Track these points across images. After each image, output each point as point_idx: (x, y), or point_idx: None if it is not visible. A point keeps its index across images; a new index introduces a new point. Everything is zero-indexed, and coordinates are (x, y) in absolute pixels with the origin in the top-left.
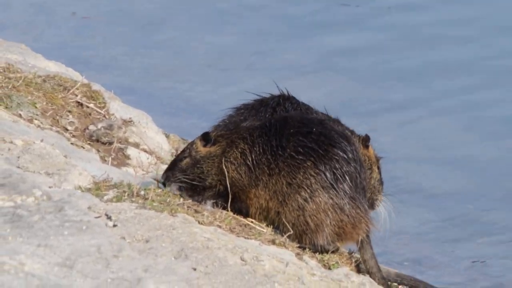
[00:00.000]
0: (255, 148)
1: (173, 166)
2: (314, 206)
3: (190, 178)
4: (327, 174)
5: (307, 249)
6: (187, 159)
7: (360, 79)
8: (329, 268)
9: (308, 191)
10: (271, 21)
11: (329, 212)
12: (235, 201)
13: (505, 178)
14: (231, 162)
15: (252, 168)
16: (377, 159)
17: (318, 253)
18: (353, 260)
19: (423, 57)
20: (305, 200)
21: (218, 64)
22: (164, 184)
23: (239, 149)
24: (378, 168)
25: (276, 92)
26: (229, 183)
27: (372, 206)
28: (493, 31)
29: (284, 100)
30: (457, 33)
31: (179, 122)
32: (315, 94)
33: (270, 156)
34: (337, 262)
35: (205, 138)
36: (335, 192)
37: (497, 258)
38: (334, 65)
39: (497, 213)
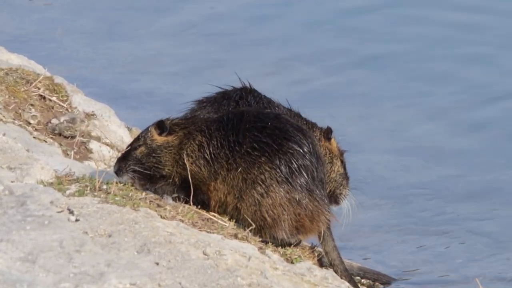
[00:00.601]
0: (213, 142)
1: (127, 155)
2: (270, 201)
3: (145, 168)
4: (282, 168)
5: (269, 243)
6: (142, 148)
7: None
8: (292, 262)
9: (264, 186)
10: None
11: (285, 206)
12: (197, 193)
13: (470, 170)
14: (189, 155)
15: (211, 162)
16: (341, 153)
17: (280, 247)
18: (316, 254)
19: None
20: (261, 195)
21: (181, 56)
22: (116, 174)
23: (197, 142)
24: (342, 162)
25: (238, 85)
26: (191, 176)
27: (336, 201)
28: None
29: (247, 94)
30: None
31: (142, 114)
32: (277, 85)
33: (228, 151)
34: (299, 256)
35: (160, 126)
36: (290, 186)
37: (459, 250)
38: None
39: (459, 206)
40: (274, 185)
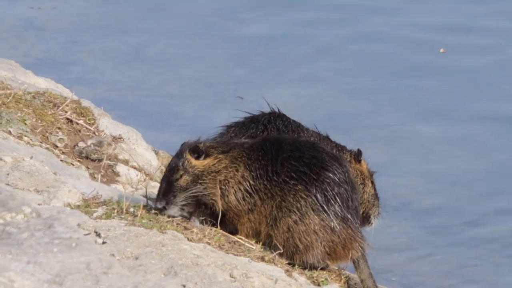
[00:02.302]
0: (252, 174)
1: (169, 188)
2: (304, 228)
3: (194, 195)
4: (318, 196)
5: (296, 266)
6: (185, 176)
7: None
8: (319, 285)
9: (299, 214)
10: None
11: (319, 233)
12: (225, 222)
13: (493, 192)
14: (231, 186)
15: (252, 194)
16: (370, 174)
17: (307, 269)
18: (343, 277)
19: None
20: (295, 222)
21: (209, 78)
22: (164, 208)
23: (240, 173)
24: (372, 182)
25: (267, 110)
26: (225, 208)
27: (368, 220)
28: None
29: (275, 118)
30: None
31: (168, 137)
32: (302, 108)
33: (267, 181)
34: (326, 279)
35: (196, 150)
36: (325, 214)
37: (488, 274)
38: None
39: (482, 227)
40: (309, 213)
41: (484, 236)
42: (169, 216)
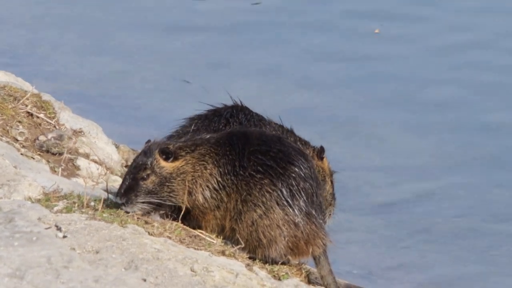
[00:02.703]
0: (220, 170)
1: (134, 186)
2: (268, 222)
3: (159, 198)
4: (283, 190)
5: (257, 260)
6: (152, 177)
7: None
8: (279, 279)
9: (263, 207)
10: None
11: (283, 228)
12: (189, 219)
13: (456, 186)
14: (199, 185)
15: (218, 191)
16: (331, 173)
17: (268, 264)
18: (303, 271)
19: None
20: (260, 216)
21: (169, 71)
22: (123, 205)
23: (208, 170)
24: (331, 181)
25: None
26: (191, 205)
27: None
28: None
29: (238, 111)
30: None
31: (129, 130)
32: (265, 101)
33: (234, 176)
34: (287, 273)
35: (165, 151)
36: (290, 208)
37: (446, 265)
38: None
39: (445, 221)
40: (274, 207)
41: (444, 228)
42: (127, 212)
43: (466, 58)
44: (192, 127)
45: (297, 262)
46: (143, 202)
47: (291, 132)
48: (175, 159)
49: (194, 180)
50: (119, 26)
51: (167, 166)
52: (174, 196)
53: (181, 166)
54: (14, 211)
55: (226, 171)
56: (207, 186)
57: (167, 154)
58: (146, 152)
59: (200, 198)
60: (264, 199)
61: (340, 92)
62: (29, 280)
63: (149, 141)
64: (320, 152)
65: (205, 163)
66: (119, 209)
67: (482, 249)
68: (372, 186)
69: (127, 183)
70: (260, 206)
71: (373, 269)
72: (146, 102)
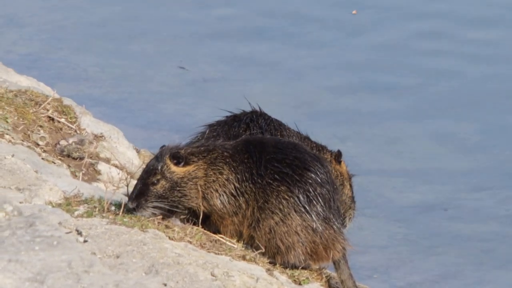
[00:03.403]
0: (238, 176)
1: (144, 190)
2: (286, 229)
3: (170, 202)
4: (300, 197)
5: (277, 265)
6: (163, 182)
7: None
8: (300, 284)
9: (280, 214)
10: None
11: (301, 234)
12: (209, 224)
13: (476, 191)
14: (215, 189)
15: (237, 197)
16: (349, 176)
17: (288, 268)
18: (324, 276)
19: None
20: (277, 223)
21: (190, 75)
22: (134, 210)
23: (224, 176)
24: (350, 185)
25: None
26: (209, 210)
27: (343, 223)
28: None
29: (257, 117)
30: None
31: (150, 135)
32: (284, 106)
33: (252, 184)
34: (307, 278)
35: (176, 156)
36: (307, 214)
37: (468, 270)
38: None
39: (466, 226)
40: (291, 214)
41: (466, 234)
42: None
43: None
44: (212, 133)
45: (317, 267)
46: (153, 207)
47: (307, 138)
48: (186, 164)
49: (207, 185)
50: (140, 31)
51: (177, 171)
52: (186, 200)
53: (193, 171)
54: (35, 216)
55: (244, 178)
56: (224, 192)
57: (178, 159)
58: (158, 157)
59: (218, 203)
60: (281, 206)
61: (362, 95)
62: (50, 285)
63: (163, 146)
64: (337, 156)
65: (219, 168)
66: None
67: (507, 255)
68: (393, 190)
69: (138, 188)
70: (278, 213)
71: (393, 274)
72: (167, 107)
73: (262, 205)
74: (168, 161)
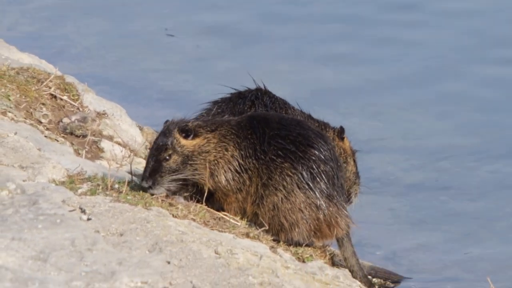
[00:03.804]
0: (242, 152)
1: (157, 167)
2: (289, 206)
3: (184, 177)
4: (304, 174)
5: (281, 242)
6: (175, 156)
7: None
8: (303, 261)
9: (284, 191)
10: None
11: (305, 211)
12: (212, 201)
13: (480, 169)
14: (221, 166)
15: (241, 174)
16: (353, 152)
17: (292, 246)
18: (327, 253)
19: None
20: (281, 200)
21: (193, 52)
22: (150, 188)
23: (229, 152)
24: (354, 161)
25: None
26: (214, 187)
27: (348, 199)
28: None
29: (262, 94)
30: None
31: (152, 112)
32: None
33: (255, 160)
34: (311, 255)
35: (185, 130)
36: (311, 191)
37: (471, 248)
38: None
39: (469, 204)
40: (295, 191)
41: (468, 210)
42: (153, 194)
43: None
44: (217, 110)
45: (321, 245)
46: (169, 182)
47: (309, 116)
48: (195, 136)
49: (216, 161)
50: (142, 9)
51: (187, 144)
52: (198, 174)
53: (203, 145)
54: (38, 194)
55: (247, 154)
56: (229, 168)
57: (187, 132)
58: (166, 133)
59: (223, 180)
60: (284, 183)
61: (365, 72)
62: (53, 263)
63: (167, 121)
64: (340, 133)
65: (226, 144)
66: (143, 191)
67: (504, 229)
68: (396, 167)
69: (150, 165)
70: (281, 190)
71: (396, 251)
72: (169, 84)
73: (266, 182)
74: (177, 135)
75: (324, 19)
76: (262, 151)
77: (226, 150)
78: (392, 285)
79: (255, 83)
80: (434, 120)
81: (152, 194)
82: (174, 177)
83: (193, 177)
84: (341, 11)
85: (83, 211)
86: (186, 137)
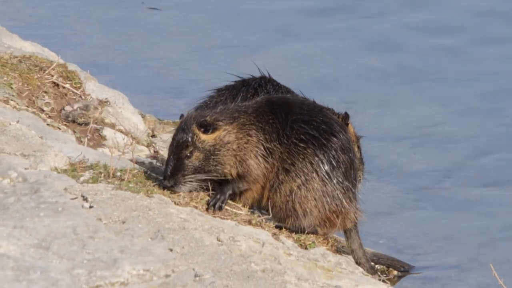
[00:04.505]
0: (266, 136)
1: (179, 165)
2: (305, 193)
3: (208, 173)
4: (325, 162)
5: (283, 229)
6: (196, 153)
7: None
8: (306, 248)
9: (303, 178)
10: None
11: (320, 200)
12: (236, 184)
13: (481, 155)
14: (250, 150)
15: (267, 158)
16: (357, 138)
17: (295, 233)
18: (330, 240)
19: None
20: (298, 186)
21: (195, 41)
22: (172, 187)
23: (254, 137)
24: (358, 147)
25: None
26: (243, 174)
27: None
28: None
29: (266, 82)
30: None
31: (155, 100)
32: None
33: (279, 144)
34: (313, 242)
35: (203, 124)
36: (329, 180)
37: (473, 235)
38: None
39: (472, 191)
40: (313, 178)
41: (471, 198)
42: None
43: None
44: (220, 97)
45: (322, 233)
46: (191, 181)
47: (313, 103)
48: (214, 129)
49: (240, 148)
50: None
51: (208, 139)
52: (221, 167)
53: (223, 137)
54: (40, 182)
55: (271, 138)
56: (257, 153)
57: (206, 127)
58: (184, 128)
59: (253, 164)
60: (305, 169)
61: (368, 61)
62: (55, 251)
63: (182, 116)
64: (345, 118)
65: (248, 131)
66: (145, 179)
67: (508, 216)
68: (399, 155)
69: (171, 164)
70: (300, 176)
71: (399, 239)
72: (172, 73)
73: (288, 167)
74: (196, 131)
75: None
76: (285, 135)
77: (250, 136)
78: (395, 272)
79: (259, 71)
80: (436, 107)
81: (175, 192)
82: (197, 175)
83: (217, 171)
84: None
85: (85, 199)
86: (205, 132)
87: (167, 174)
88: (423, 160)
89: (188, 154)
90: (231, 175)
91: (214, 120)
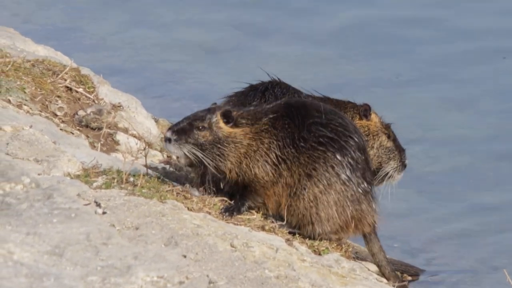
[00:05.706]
0: (279, 143)
1: (188, 130)
2: (328, 198)
3: (205, 155)
4: (345, 165)
5: (296, 235)
6: (206, 132)
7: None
8: (319, 254)
9: (325, 182)
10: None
11: (340, 204)
12: (251, 196)
13: (496, 157)
14: (256, 159)
15: (278, 166)
16: (386, 126)
17: (308, 239)
18: (343, 246)
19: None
20: (321, 192)
21: (209, 44)
22: (169, 141)
23: (265, 145)
24: (388, 135)
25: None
26: (250, 180)
27: (386, 177)
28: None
29: (274, 86)
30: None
31: (168, 104)
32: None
33: (294, 149)
34: (327, 248)
35: (227, 115)
36: (349, 184)
37: (487, 239)
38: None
39: (487, 196)
40: (336, 183)
41: (486, 202)
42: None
43: None
44: (229, 103)
45: (336, 238)
46: (189, 151)
47: (327, 98)
48: (235, 125)
49: (247, 154)
50: (158, 0)
51: (224, 128)
52: (221, 160)
53: (239, 135)
54: (53, 187)
55: (285, 144)
56: (266, 161)
57: (228, 118)
58: (210, 109)
59: (261, 172)
60: (327, 174)
61: (382, 62)
62: (68, 257)
63: (215, 103)
64: (366, 110)
65: (261, 138)
66: (159, 185)
67: None
68: (412, 157)
69: (182, 124)
70: (322, 181)
71: (413, 243)
72: (185, 76)
73: (310, 172)
74: (219, 116)
75: None
76: (302, 139)
77: (262, 143)
78: (409, 277)
79: (268, 76)
80: (453, 111)
81: (169, 150)
82: (196, 151)
83: (215, 161)
84: None
85: (98, 205)
86: (226, 122)
87: (173, 128)
88: (438, 162)
89: (201, 127)
90: (231, 176)
91: (238, 116)
